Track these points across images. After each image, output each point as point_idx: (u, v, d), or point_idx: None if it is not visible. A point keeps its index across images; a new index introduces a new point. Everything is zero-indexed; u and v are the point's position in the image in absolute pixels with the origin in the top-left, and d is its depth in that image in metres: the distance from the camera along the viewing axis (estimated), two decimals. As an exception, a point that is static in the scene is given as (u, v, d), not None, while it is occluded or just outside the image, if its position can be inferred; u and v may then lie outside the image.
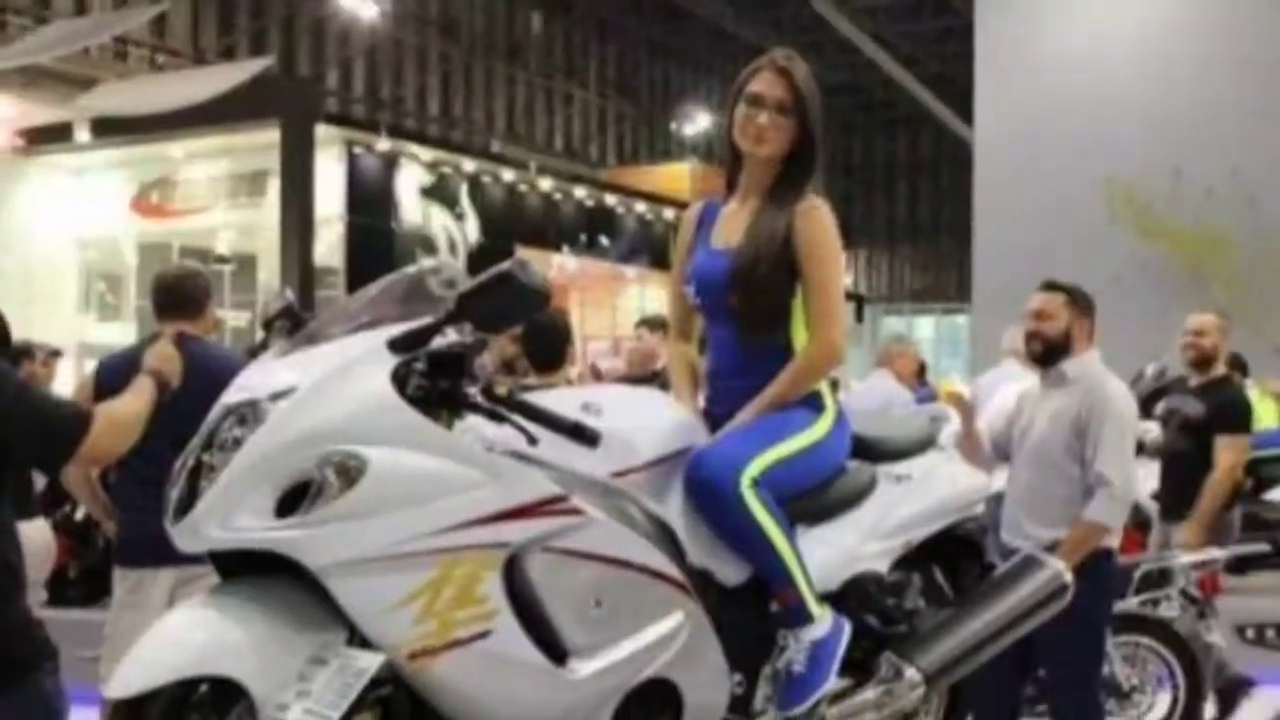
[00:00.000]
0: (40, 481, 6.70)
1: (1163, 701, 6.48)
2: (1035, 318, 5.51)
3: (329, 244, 22.15)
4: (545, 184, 27.43)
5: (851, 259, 45.14)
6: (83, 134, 21.55)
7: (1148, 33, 18.89)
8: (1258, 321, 15.22)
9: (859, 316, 38.55)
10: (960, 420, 4.96)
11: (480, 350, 3.62)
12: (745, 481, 3.79)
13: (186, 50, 30.57)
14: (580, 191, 28.76)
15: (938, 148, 45.30)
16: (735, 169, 4.31)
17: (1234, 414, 7.26)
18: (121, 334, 21.66)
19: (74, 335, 21.24)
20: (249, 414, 3.30)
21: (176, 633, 3.27)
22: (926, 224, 48.17)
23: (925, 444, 4.52)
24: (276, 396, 3.30)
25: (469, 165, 25.53)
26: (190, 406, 3.65)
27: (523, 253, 22.37)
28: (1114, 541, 5.36)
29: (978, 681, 4.53)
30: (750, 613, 3.95)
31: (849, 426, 4.26)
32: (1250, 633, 7.36)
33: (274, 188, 21.29)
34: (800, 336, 4.13)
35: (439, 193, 24.43)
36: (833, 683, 3.90)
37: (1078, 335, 5.47)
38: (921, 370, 13.32)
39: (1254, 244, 17.14)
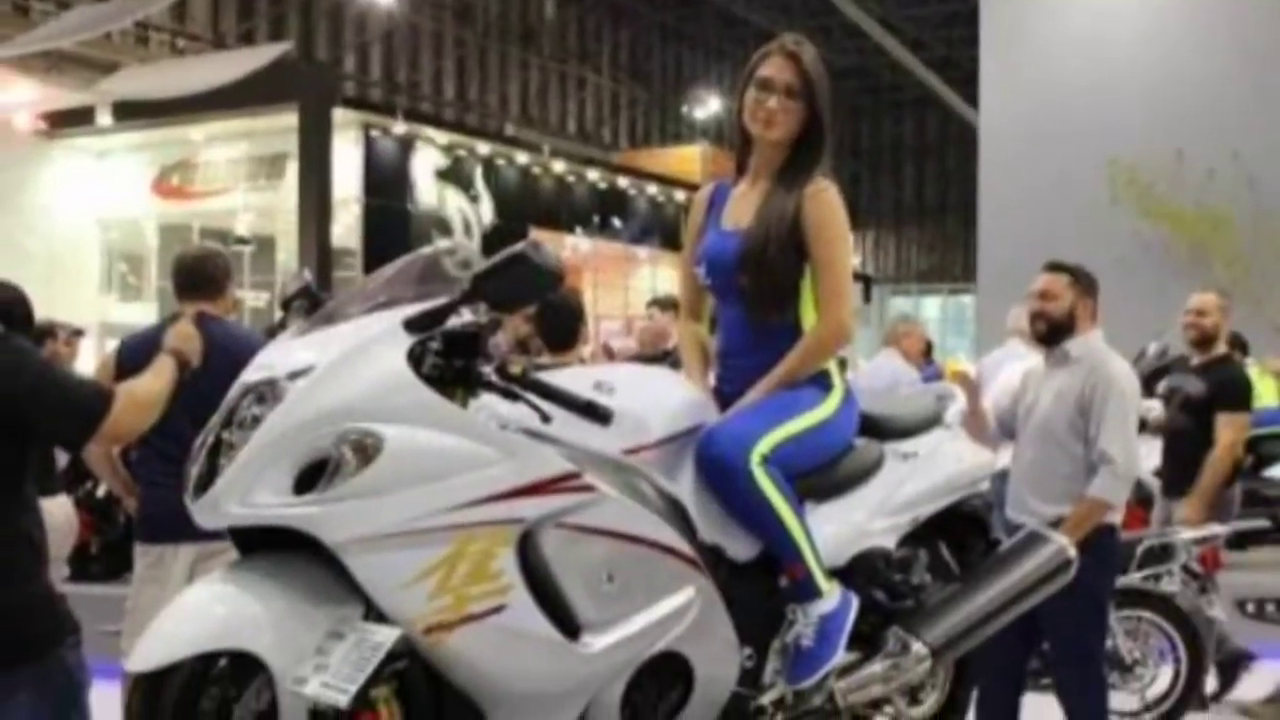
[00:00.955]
0: (62, 459, 6.74)
1: (1164, 675, 6.54)
2: (1040, 298, 5.52)
3: (346, 225, 22.27)
4: (558, 166, 27.52)
5: (859, 240, 45.11)
6: (104, 117, 21.65)
7: (1150, 16, 18.85)
8: (1258, 301, 15.27)
9: (866, 297, 38.61)
10: (966, 399, 4.98)
11: (494, 330, 3.66)
12: (755, 459, 3.82)
13: (207, 35, 30.71)
14: (593, 174, 28.86)
15: (943, 130, 45.29)
16: (745, 152, 4.33)
17: (1234, 392, 7.28)
18: (143, 314, 21.84)
19: (96, 315, 21.36)
20: (268, 392, 3.34)
21: (196, 607, 3.30)
22: (933, 205, 48.17)
23: (932, 422, 4.54)
24: (295, 375, 3.33)
25: (484, 148, 25.62)
26: (210, 385, 3.70)
27: (536, 234, 22.52)
28: (1117, 518, 5.37)
29: (983, 655, 4.57)
30: (760, 588, 3.98)
31: (857, 405, 4.29)
32: (1250, 607, 7.39)
33: (292, 170, 21.41)
34: (809, 316, 4.15)
35: (454, 175, 24.53)
36: (841, 656, 3.94)
37: (1081, 315, 5.48)
38: (928, 349, 13.39)
39: (1254, 225, 17.15)
